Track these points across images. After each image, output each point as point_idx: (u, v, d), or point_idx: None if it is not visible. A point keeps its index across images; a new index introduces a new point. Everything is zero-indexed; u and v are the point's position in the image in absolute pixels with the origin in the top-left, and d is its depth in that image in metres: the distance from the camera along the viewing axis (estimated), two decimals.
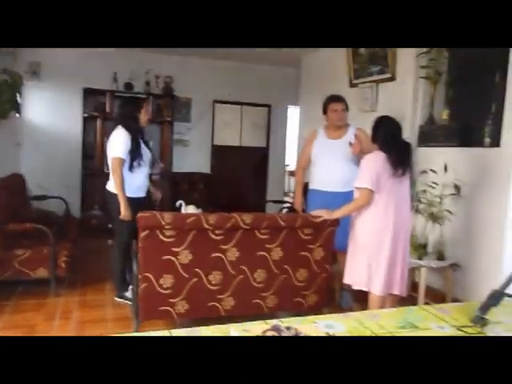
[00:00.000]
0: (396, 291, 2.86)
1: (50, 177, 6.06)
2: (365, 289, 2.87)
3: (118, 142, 3.33)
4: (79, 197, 6.13)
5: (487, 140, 3.46)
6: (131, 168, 3.36)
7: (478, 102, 3.66)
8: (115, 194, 3.35)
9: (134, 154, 3.35)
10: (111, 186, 3.41)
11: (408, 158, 2.88)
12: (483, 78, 3.60)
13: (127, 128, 3.37)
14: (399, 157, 2.80)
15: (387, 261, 2.80)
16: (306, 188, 3.80)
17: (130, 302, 3.46)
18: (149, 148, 3.61)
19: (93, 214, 6.02)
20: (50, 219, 4.31)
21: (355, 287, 2.94)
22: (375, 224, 2.82)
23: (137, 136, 3.40)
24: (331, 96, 3.63)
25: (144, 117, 3.45)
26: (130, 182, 3.36)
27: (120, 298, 3.53)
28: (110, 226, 5.78)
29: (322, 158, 3.58)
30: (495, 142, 3.36)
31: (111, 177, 3.43)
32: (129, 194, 3.34)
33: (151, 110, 6.23)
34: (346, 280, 3.00)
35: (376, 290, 2.82)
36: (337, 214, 2.92)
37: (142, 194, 3.52)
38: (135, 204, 3.34)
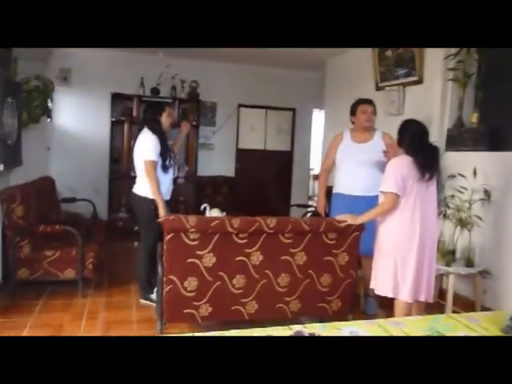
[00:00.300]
0: (422, 298, 2.80)
1: (78, 180, 6.21)
2: (391, 295, 2.81)
3: (148, 145, 3.35)
4: (106, 200, 6.26)
5: None
6: (164, 168, 3.39)
7: (509, 104, 3.56)
8: (142, 197, 3.39)
9: (165, 155, 3.40)
10: (138, 189, 3.45)
11: (435, 161, 2.81)
12: None
13: (153, 130, 3.41)
14: (426, 160, 2.74)
15: (414, 267, 2.74)
16: (329, 192, 3.76)
17: (154, 304, 3.50)
18: (172, 152, 3.65)
19: (119, 216, 6.13)
20: (78, 221, 4.41)
21: (381, 293, 2.89)
22: (401, 230, 2.76)
23: (163, 138, 3.44)
24: (361, 98, 3.61)
25: (166, 120, 3.49)
26: (161, 185, 3.39)
27: (145, 299, 3.57)
28: (136, 228, 5.88)
29: (346, 162, 3.53)
30: None
31: (138, 180, 3.48)
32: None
33: (176, 114, 6.31)
34: (372, 285, 2.95)
35: (402, 296, 2.76)
36: (362, 218, 2.88)
37: (167, 196, 3.55)
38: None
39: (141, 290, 3.62)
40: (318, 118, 7.85)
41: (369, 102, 3.54)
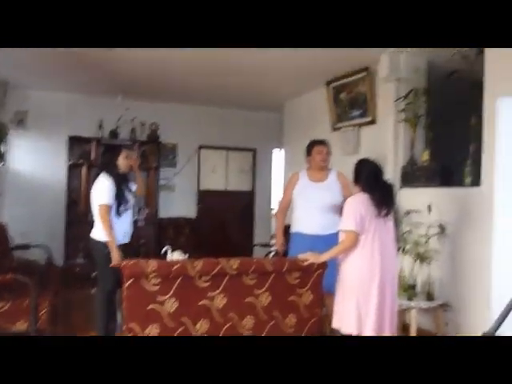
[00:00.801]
0: (387, 332, 2.81)
1: (33, 225, 5.96)
2: (355, 333, 2.80)
3: (103, 189, 3.34)
4: (63, 245, 6.03)
5: (468, 180, 3.54)
6: (118, 213, 3.36)
7: (457, 142, 3.76)
8: (100, 242, 3.31)
9: (120, 198, 3.36)
10: (96, 233, 3.38)
11: (391, 198, 2.90)
12: (460, 119, 3.73)
13: (109, 174, 3.39)
14: (382, 197, 2.82)
15: (376, 302, 2.76)
16: (286, 230, 3.79)
17: None
18: (133, 194, 3.61)
19: (76, 262, 5.90)
20: (31, 269, 4.19)
21: (346, 331, 2.88)
22: (362, 268, 2.80)
23: (120, 182, 3.41)
24: (316, 139, 3.73)
25: (123, 163, 3.47)
26: (116, 229, 3.34)
27: None
28: (93, 274, 5.66)
29: (304, 201, 3.59)
30: (476, 182, 3.43)
31: (96, 224, 3.40)
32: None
33: (135, 156, 6.25)
34: (335, 324, 2.93)
35: (367, 332, 2.77)
36: (324, 257, 2.90)
37: (126, 239, 3.49)
38: (121, 250, 3.29)
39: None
40: (279, 157, 8.01)
41: (323, 143, 3.66)
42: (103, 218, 3.28)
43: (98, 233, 3.36)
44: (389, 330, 2.81)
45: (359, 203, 2.81)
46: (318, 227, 3.45)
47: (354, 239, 2.76)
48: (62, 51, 4.03)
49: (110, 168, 3.42)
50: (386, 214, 2.82)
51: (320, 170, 3.61)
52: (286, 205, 3.77)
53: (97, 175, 3.48)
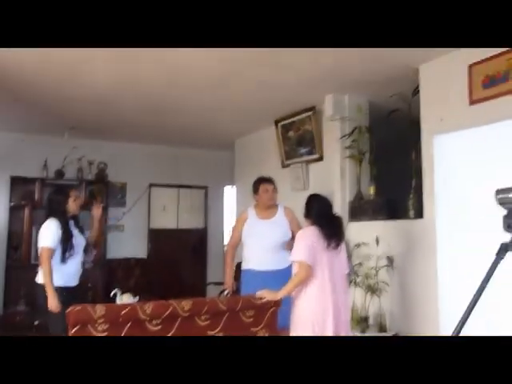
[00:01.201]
0: None
1: None
2: None
3: (47, 232, 3.25)
4: (2, 291, 5.64)
5: (411, 212, 3.70)
6: (63, 259, 3.25)
7: (400, 177, 3.95)
8: (42, 285, 3.15)
9: (66, 245, 3.26)
10: (40, 277, 3.23)
11: (340, 230, 3.00)
12: (401, 155, 3.93)
13: (57, 218, 3.29)
14: (332, 229, 2.92)
15: (332, 333, 2.79)
16: (237, 268, 3.77)
17: None
18: (83, 234, 3.49)
19: (17, 309, 5.52)
20: None
21: None
22: (316, 297, 2.83)
23: (67, 227, 3.31)
24: (262, 177, 3.75)
25: (73, 205, 3.39)
26: (61, 271, 3.23)
27: None
28: (36, 322, 5.32)
29: (253, 238, 3.60)
30: (419, 214, 3.60)
31: (40, 268, 3.25)
32: (60, 284, 3.19)
33: (83, 196, 6.08)
34: None
35: None
36: (281, 293, 2.86)
37: (74, 282, 3.35)
38: (66, 294, 3.15)
39: None
40: (230, 194, 8.03)
41: (269, 180, 3.69)
42: (43, 260, 3.18)
43: (40, 277, 3.23)
44: None
45: (310, 235, 2.88)
46: (269, 263, 3.46)
47: (307, 270, 2.79)
48: (4, 86, 3.93)
49: (59, 212, 3.32)
50: (336, 246, 2.91)
51: (268, 207, 3.64)
52: (235, 244, 3.76)
53: (45, 218, 3.36)
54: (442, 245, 3.35)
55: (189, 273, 7.12)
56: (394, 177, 4.20)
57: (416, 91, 3.63)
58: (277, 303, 2.93)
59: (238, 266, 3.82)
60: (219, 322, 2.76)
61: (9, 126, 5.72)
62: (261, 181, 3.70)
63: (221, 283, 6.49)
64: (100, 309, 2.44)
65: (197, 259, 7.26)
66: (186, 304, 2.63)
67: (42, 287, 3.19)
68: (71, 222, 3.39)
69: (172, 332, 2.62)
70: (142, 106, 4.77)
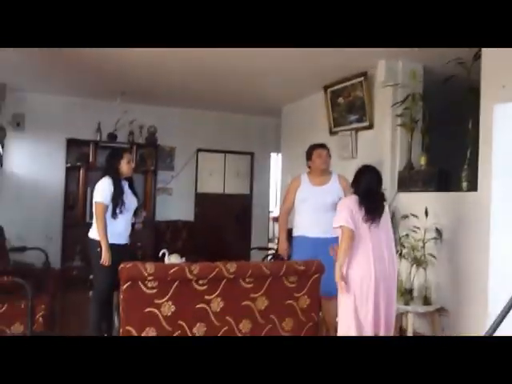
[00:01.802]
0: (382, 333, 2.84)
1: (30, 228, 5.95)
2: (353, 333, 2.83)
3: (101, 189, 3.40)
4: (60, 248, 6.01)
5: (465, 184, 3.56)
6: (114, 215, 3.39)
7: (454, 147, 3.79)
8: (96, 241, 3.34)
9: (117, 201, 3.39)
10: (93, 233, 3.42)
11: (380, 206, 2.96)
12: (457, 125, 3.75)
13: (111, 177, 3.44)
14: (372, 204, 2.90)
15: (372, 305, 2.81)
16: (289, 234, 3.79)
17: None
18: (137, 197, 3.64)
19: (74, 265, 5.87)
20: (28, 271, 4.18)
21: (344, 333, 2.90)
22: (358, 268, 2.84)
23: (120, 184, 3.45)
24: (315, 143, 3.74)
25: (126, 167, 3.52)
26: (111, 229, 3.38)
27: None
28: (91, 277, 5.65)
29: (306, 205, 3.59)
30: (472, 186, 3.45)
31: (93, 225, 3.42)
32: (110, 241, 3.34)
33: (134, 159, 6.27)
34: (341, 331, 2.96)
35: (365, 333, 2.81)
36: (338, 268, 2.84)
37: (123, 240, 3.50)
38: (116, 251, 3.33)
39: None
40: (276, 161, 8.01)
41: (323, 146, 3.68)
42: (97, 215, 3.34)
43: (94, 232, 3.40)
44: (384, 332, 2.83)
45: (351, 203, 2.90)
46: (321, 230, 3.44)
47: (350, 235, 2.82)
48: (60, 53, 4.04)
49: (112, 172, 3.47)
50: (373, 222, 2.89)
51: (321, 174, 3.62)
52: (289, 209, 3.77)
53: (99, 178, 3.52)
54: (497, 220, 3.21)
55: (234, 237, 7.27)
56: (448, 147, 4.03)
57: (477, 56, 3.41)
58: (319, 270, 2.96)
59: (289, 232, 3.83)
60: (262, 285, 2.83)
61: (64, 91, 5.93)
62: (314, 147, 3.69)
63: (264, 248, 6.62)
64: (150, 267, 2.56)
65: (241, 224, 7.38)
66: (231, 266, 2.71)
67: (94, 242, 3.37)
68: (124, 182, 3.53)
69: (217, 293, 2.72)
70: (191, 71, 4.79)
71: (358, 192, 2.95)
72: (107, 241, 3.31)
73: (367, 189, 2.95)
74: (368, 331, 2.81)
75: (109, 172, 3.48)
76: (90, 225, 3.52)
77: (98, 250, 3.30)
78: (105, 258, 3.28)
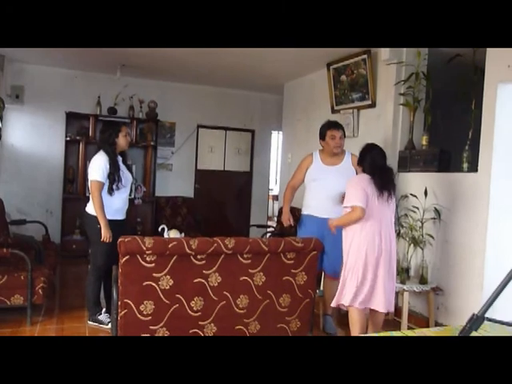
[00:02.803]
0: (380, 308, 2.91)
1: (29, 201, 5.98)
2: (346, 303, 2.92)
3: (96, 166, 3.37)
4: (59, 222, 6.03)
5: (465, 165, 3.54)
6: (110, 191, 3.38)
7: (456, 128, 3.76)
8: (94, 216, 3.34)
9: (113, 177, 3.38)
10: (90, 208, 3.42)
11: (391, 181, 3.01)
12: (460, 105, 3.71)
13: (106, 152, 3.40)
14: (384, 180, 2.94)
15: (372, 280, 2.90)
16: (292, 212, 3.75)
17: (103, 326, 3.43)
18: (131, 172, 3.61)
19: (73, 239, 5.91)
20: (28, 244, 4.21)
21: (345, 303, 2.96)
22: (365, 242, 2.90)
23: (116, 160, 3.42)
24: (330, 122, 3.60)
25: (123, 140, 3.48)
26: (108, 205, 3.37)
27: (93, 321, 3.49)
28: (90, 251, 5.69)
29: (317, 184, 3.52)
30: (473, 167, 3.44)
31: (91, 199, 3.42)
32: (107, 217, 3.34)
33: (134, 133, 6.24)
34: (334, 303, 3.03)
35: (357, 303, 2.91)
36: (335, 221, 3.03)
37: (120, 216, 3.51)
38: (114, 227, 3.34)
39: (88, 311, 3.54)
40: (277, 139, 7.98)
41: (338, 126, 3.53)
42: (93, 194, 3.33)
43: (91, 207, 3.40)
44: (384, 308, 2.89)
45: (362, 181, 2.93)
46: (331, 211, 3.36)
47: (362, 213, 2.85)
48: None
49: (107, 147, 3.42)
50: (387, 197, 2.94)
51: (334, 154, 3.52)
52: (296, 185, 3.69)
53: (95, 152, 3.48)
54: (495, 201, 3.22)
55: (233, 214, 7.30)
56: (450, 127, 3.99)
57: None
58: (317, 248, 2.98)
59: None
60: (260, 261, 2.85)
61: (64, 63, 5.85)
62: (329, 126, 3.54)
63: (264, 226, 6.65)
64: (148, 241, 2.57)
65: (241, 201, 7.40)
66: (230, 242, 2.72)
67: (91, 217, 3.37)
68: (119, 158, 3.50)
69: (215, 268, 2.74)
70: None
71: (367, 169, 2.98)
72: (105, 218, 3.31)
73: (374, 165, 2.97)
74: (360, 303, 2.89)
75: (104, 146, 3.43)
76: (89, 199, 3.52)
77: (98, 226, 3.30)
78: (105, 235, 3.29)
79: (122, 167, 3.49)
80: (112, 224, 3.35)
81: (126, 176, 3.50)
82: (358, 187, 2.90)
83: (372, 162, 2.98)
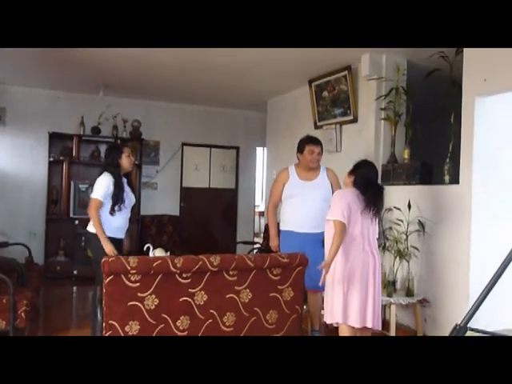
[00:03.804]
0: (369, 324, 2.88)
1: (12, 223, 5.88)
2: (340, 321, 2.88)
3: (99, 185, 3.36)
4: (43, 243, 5.93)
5: (447, 177, 3.60)
6: (112, 211, 3.36)
7: (437, 141, 3.83)
8: (95, 234, 3.30)
9: (116, 198, 3.36)
10: (91, 226, 3.37)
11: (380, 199, 3.00)
12: (439, 118, 3.79)
13: (111, 173, 3.39)
14: (372, 196, 2.92)
15: (359, 294, 2.87)
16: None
17: None
18: (134, 193, 3.61)
19: (57, 260, 5.81)
20: (10, 267, 4.12)
21: (331, 321, 2.93)
22: (351, 260, 2.89)
23: (120, 181, 3.41)
24: (309, 137, 3.60)
25: (126, 161, 3.47)
26: (108, 223, 3.34)
27: None
28: (75, 272, 5.60)
29: (294, 199, 3.52)
30: (455, 179, 3.50)
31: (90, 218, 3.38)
32: (108, 234, 3.31)
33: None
34: (327, 319, 3.00)
35: (351, 321, 2.87)
36: (329, 259, 2.85)
37: (120, 235, 3.48)
38: (114, 245, 3.29)
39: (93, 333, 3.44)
40: (262, 155, 8.02)
41: (317, 142, 3.53)
42: (91, 211, 3.30)
43: (92, 226, 3.36)
44: (372, 323, 2.89)
45: (348, 195, 2.92)
46: (309, 226, 3.39)
47: (343, 229, 2.83)
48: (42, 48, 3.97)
49: (111, 169, 3.41)
50: (375, 214, 2.93)
51: (310, 169, 3.52)
52: (276, 203, 3.66)
53: (99, 173, 3.47)
54: (477, 213, 3.27)
55: (219, 231, 7.27)
56: (431, 141, 4.07)
57: (459, 50, 3.45)
58: (302, 263, 2.97)
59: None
60: (246, 278, 2.83)
61: (46, 84, 5.84)
62: (308, 140, 3.53)
63: (250, 242, 6.63)
64: (133, 260, 2.54)
65: (227, 218, 7.38)
66: (215, 259, 2.71)
67: (93, 235, 3.33)
68: (124, 180, 3.48)
69: (201, 286, 2.71)
70: (175, 64, 4.75)
71: (358, 183, 2.96)
72: (104, 234, 3.28)
73: (367, 181, 2.96)
74: (354, 322, 2.86)
75: (109, 168, 3.42)
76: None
77: (100, 244, 3.24)
78: (108, 250, 3.23)
79: (127, 189, 3.47)
80: (112, 242, 3.30)
81: (130, 197, 3.48)
82: (343, 201, 2.89)
83: (364, 176, 2.97)
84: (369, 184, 2.95)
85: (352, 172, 3.03)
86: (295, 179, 3.55)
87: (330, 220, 2.91)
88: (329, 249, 2.87)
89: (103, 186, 3.35)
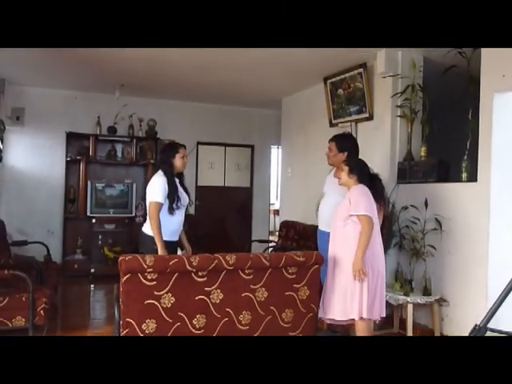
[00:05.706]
0: (377, 316, 2.96)
1: (30, 222, 5.98)
2: (365, 316, 2.90)
3: (156, 187, 3.33)
4: (61, 241, 6.03)
5: (464, 175, 3.55)
6: (171, 210, 3.32)
7: (454, 138, 3.77)
8: (150, 236, 3.27)
9: (172, 197, 3.32)
10: (147, 228, 3.35)
11: (384, 193, 3.11)
12: (456, 115, 3.73)
13: (164, 172, 3.38)
14: (381, 191, 3.06)
15: (382, 289, 2.97)
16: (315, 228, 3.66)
17: None
18: (188, 194, 3.56)
19: (75, 258, 5.90)
20: (29, 265, 4.20)
21: (347, 317, 2.96)
22: (378, 255, 2.97)
23: (173, 180, 3.38)
24: (336, 135, 3.60)
25: (179, 162, 3.45)
26: (166, 226, 3.29)
27: None
28: (92, 270, 5.67)
29: (327, 196, 3.50)
30: (472, 177, 3.44)
31: (148, 219, 3.36)
32: (164, 238, 3.27)
33: (134, 152, 6.29)
34: (337, 316, 3.02)
35: (376, 315, 2.94)
36: (359, 255, 2.88)
37: (175, 237, 3.46)
38: (169, 248, 3.28)
39: None
40: (277, 154, 8.00)
41: (331, 138, 3.53)
42: (152, 215, 3.25)
43: (148, 227, 3.33)
44: (379, 314, 2.97)
45: (368, 192, 2.97)
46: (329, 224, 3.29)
47: (372, 223, 2.88)
48: (59, 48, 4.02)
49: (165, 167, 3.40)
50: (379, 207, 3.04)
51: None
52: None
53: (153, 172, 3.48)
54: (496, 211, 3.21)
55: (235, 230, 7.28)
56: (448, 138, 4.01)
57: None
58: (318, 261, 2.97)
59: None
60: (262, 276, 2.83)
61: (63, 84, 5.93)
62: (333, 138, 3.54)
63: (265, 241, 6.63)
64: (149, 259, 2.56)
65: (243, 217, 7.39)
66: (231, 258, 2.71)
67: (148, 237, 3.30)
68: (176, 180, 3.45)
69: (216, 284, 2.72)
70: (190, 63, 4.77)
71: (365, 179, 3.00)
72: (162, 239, 3.23)
73: (370, 175, 3.05)
74: (377, 315, 2.94)
75: (163, 167, 3.40)
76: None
77: (155, 247, 3.21)
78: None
79: (180, 188, 3.44)
80: (168, 245, 3.27)
81: (184, 197, 3.45)
82: (366, 196, 2.93)
83: (368, 172, 3.05)
84: (372, 178, 3.04)
85: (352, 171, 3.03)
86: (331, 175, 3.57)
87: (353, 215, 2.91)
88: (358, 245, 2.89)
89: (161, 187, 3.30)
